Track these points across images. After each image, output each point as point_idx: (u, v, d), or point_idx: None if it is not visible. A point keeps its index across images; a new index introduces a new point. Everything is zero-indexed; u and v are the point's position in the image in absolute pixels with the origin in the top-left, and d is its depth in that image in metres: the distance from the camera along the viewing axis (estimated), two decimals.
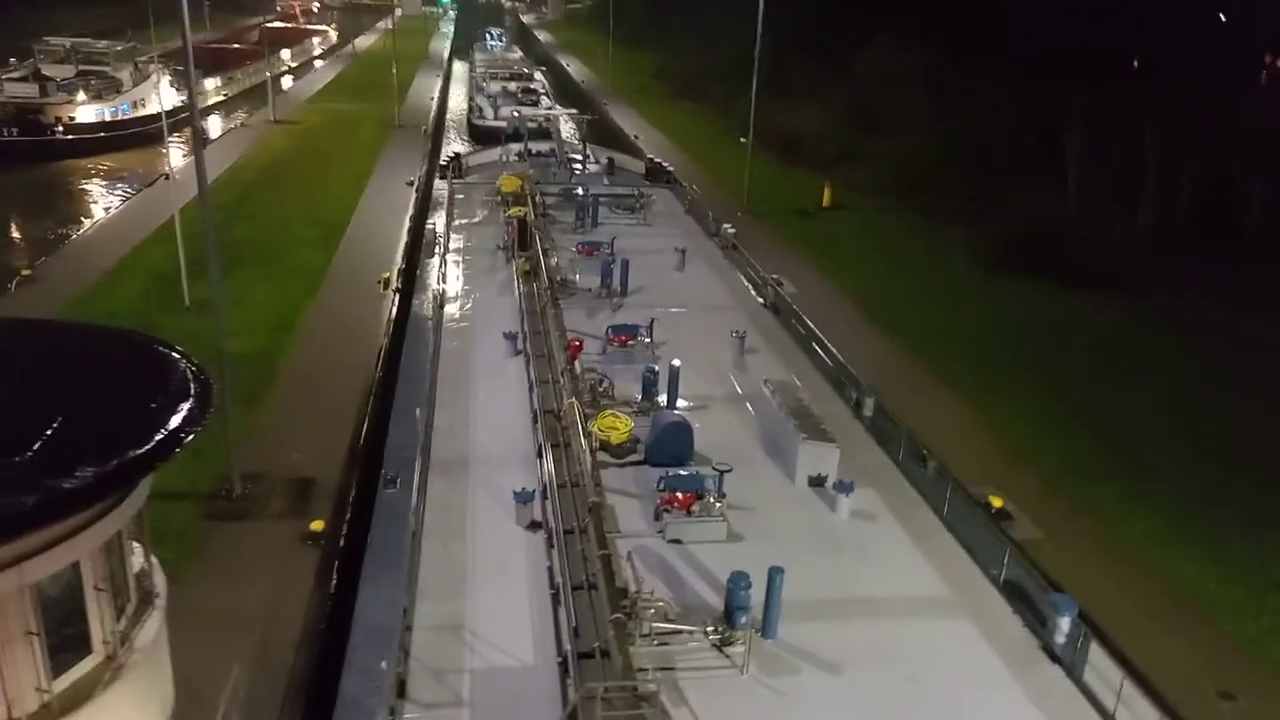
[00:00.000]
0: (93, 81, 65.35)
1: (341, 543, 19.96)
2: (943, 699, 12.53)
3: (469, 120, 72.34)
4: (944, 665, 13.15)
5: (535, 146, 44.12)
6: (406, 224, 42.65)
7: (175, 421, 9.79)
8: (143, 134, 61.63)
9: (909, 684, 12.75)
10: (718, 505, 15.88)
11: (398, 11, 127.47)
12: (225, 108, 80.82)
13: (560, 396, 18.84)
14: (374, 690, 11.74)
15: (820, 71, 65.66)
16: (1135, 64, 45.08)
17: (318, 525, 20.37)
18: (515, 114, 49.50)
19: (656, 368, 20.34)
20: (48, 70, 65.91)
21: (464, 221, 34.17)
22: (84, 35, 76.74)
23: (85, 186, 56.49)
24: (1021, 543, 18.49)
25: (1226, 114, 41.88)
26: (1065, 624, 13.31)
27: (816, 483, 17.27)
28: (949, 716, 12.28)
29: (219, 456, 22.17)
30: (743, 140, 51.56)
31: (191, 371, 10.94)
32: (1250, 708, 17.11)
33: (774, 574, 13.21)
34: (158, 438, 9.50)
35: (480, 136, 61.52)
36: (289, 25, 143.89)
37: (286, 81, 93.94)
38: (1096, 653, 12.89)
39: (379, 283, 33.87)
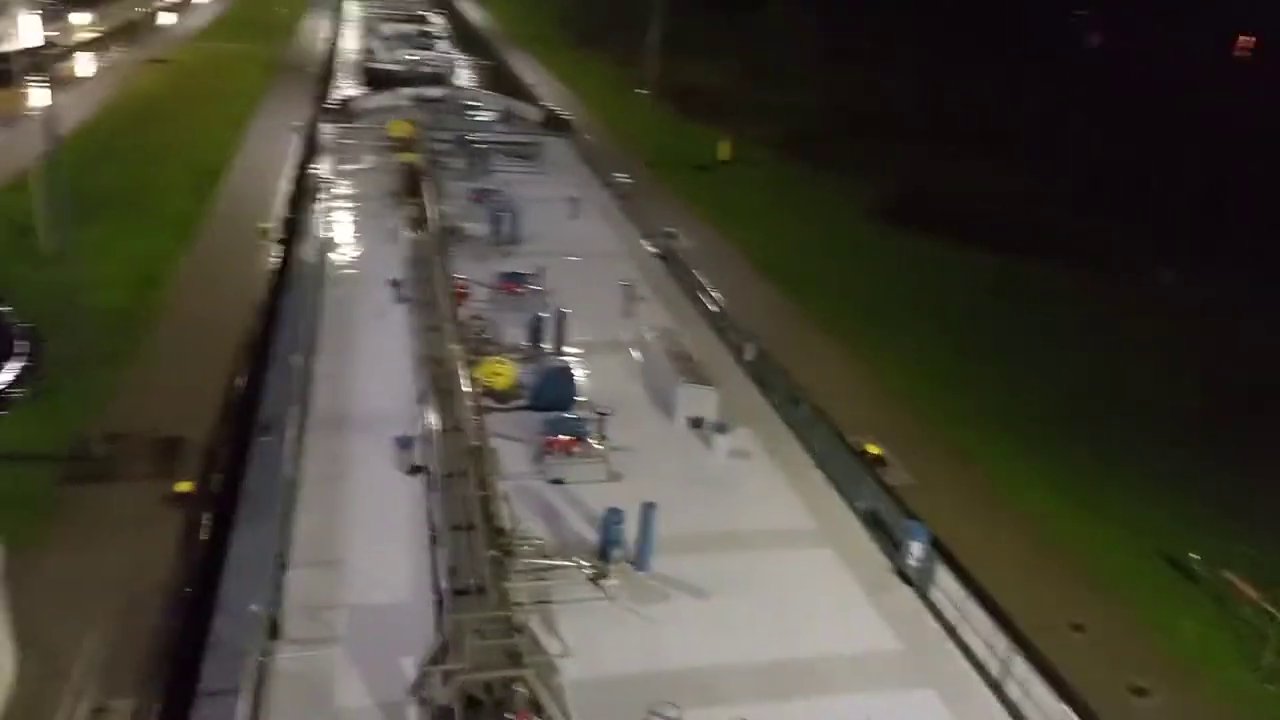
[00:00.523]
0: None
1: (215, 496, 19.20)
2: (802, 621, 13.31)
3: (362, 62, 69.77)
4: (805, 591, 13.96)
5: (428, 92, 42.94)
6: (290, 171, 40.89)
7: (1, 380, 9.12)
8: (6, 72, 57.47)
9: (771, 609, 13.48)
10: (598, 447, 16.37)
11: None
12: (97, 45, 75.87)
13: (445, 343, 18.73)
14: (245, 631, 11.70)
15: (722, 26, 65.32)
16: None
17: (184, 486, 19.51)
18: (409, 57, 47.95)
19: (543, 314, 20.47)
20: None
21: (351, 167, 33.24)
22: None
23: None
24: (896, 488, 19.04)
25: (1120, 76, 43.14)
26: (917, 549, 14.22)
27: (695, 424, 17.83)
28: (807, 636, 13.03)
29: (79, 415, 21.08)
30: (640, 92, 50.99)
31: (18, 329, 10.22)
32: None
33: (646, 510, 13.78)
34: None
35: (374, 80, 59.43)
36: None
37: (166, 18, 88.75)
38: (944, 574, 13.80)
39: (258, 233, 32.50)
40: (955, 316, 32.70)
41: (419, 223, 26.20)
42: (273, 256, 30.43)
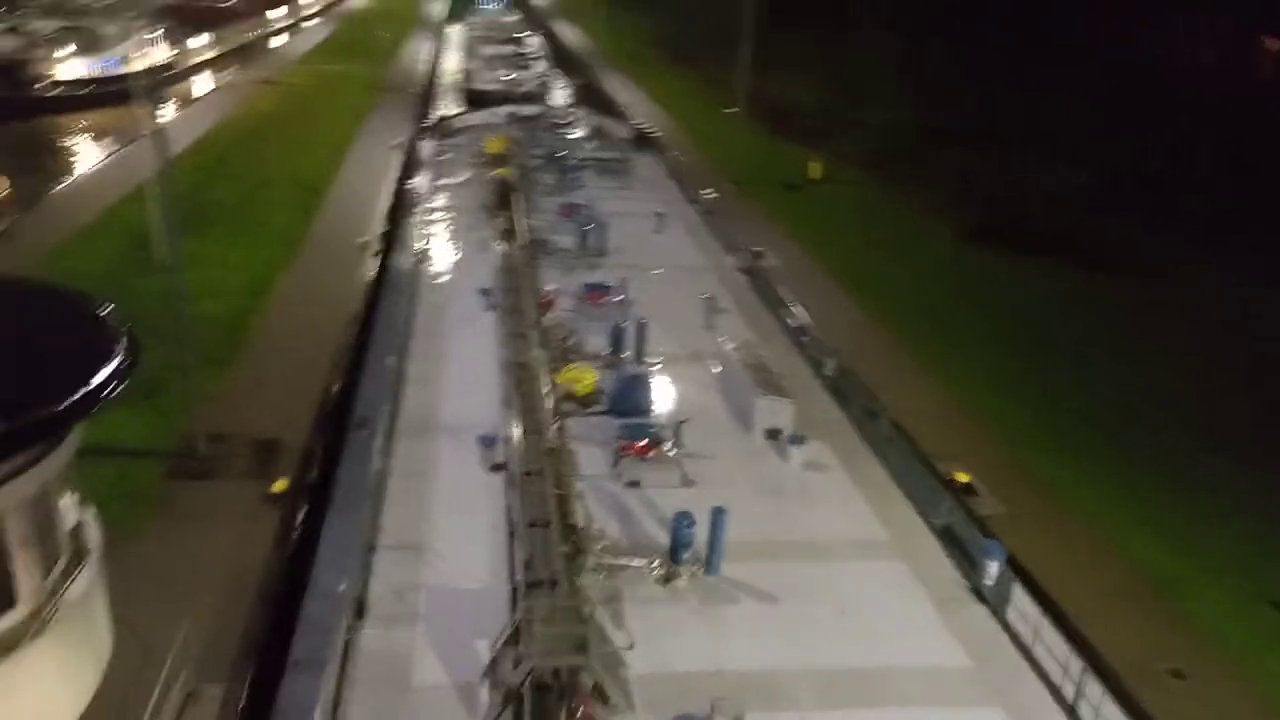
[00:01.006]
0: (77, 37, 64.51)
1: (311, 487, 19.98)
2: (869, 630, 13.31)
3: (463, 83, 71.89)
4: (875, 602, 13.95)
5: (523, 110, 44.19)
6: (389, 188, 42.28)
7: (97, 379, 9.73)
8: (127, 91, 60.95)
9: (838, 616, 13.57)
10: (673, 452, 16.87)
11: None
12: (213, 66, 79.93)
13: (529, 349, 19.48)
14: (334, 610, 12.43)
15: (812, 44, 65.09)
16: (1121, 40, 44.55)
17: (280, 485, 20.33)
18: (508, 77, 49.49)
19: (625, 324, 21.12)
20: (32, 24, 65.02)
21: (448, 181, 34.75)
22: None
23: (66, 143, 55.92)
24: (986, 518, 18.63)
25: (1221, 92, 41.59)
26: (993, 568, 14.06)
27: (772, 435, 18.13)
28: (874, 647, 13.03)
29: (185, 416, 22.12)
30: (730, 110, 51.15)
31: (120, 330, 10.88)
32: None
33: (716, 514, 14.10)
34: (77, 394, 9.44)
35: (473, 99, 61.24)
36: None
37: (278, 41, 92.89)
38: (1020, 594, 13.55)
39: (357, 247, 33.69)
40: (1035, 335, 31.85)
41: (509, 235, 27.04)
42: (370, 269, 31.54)
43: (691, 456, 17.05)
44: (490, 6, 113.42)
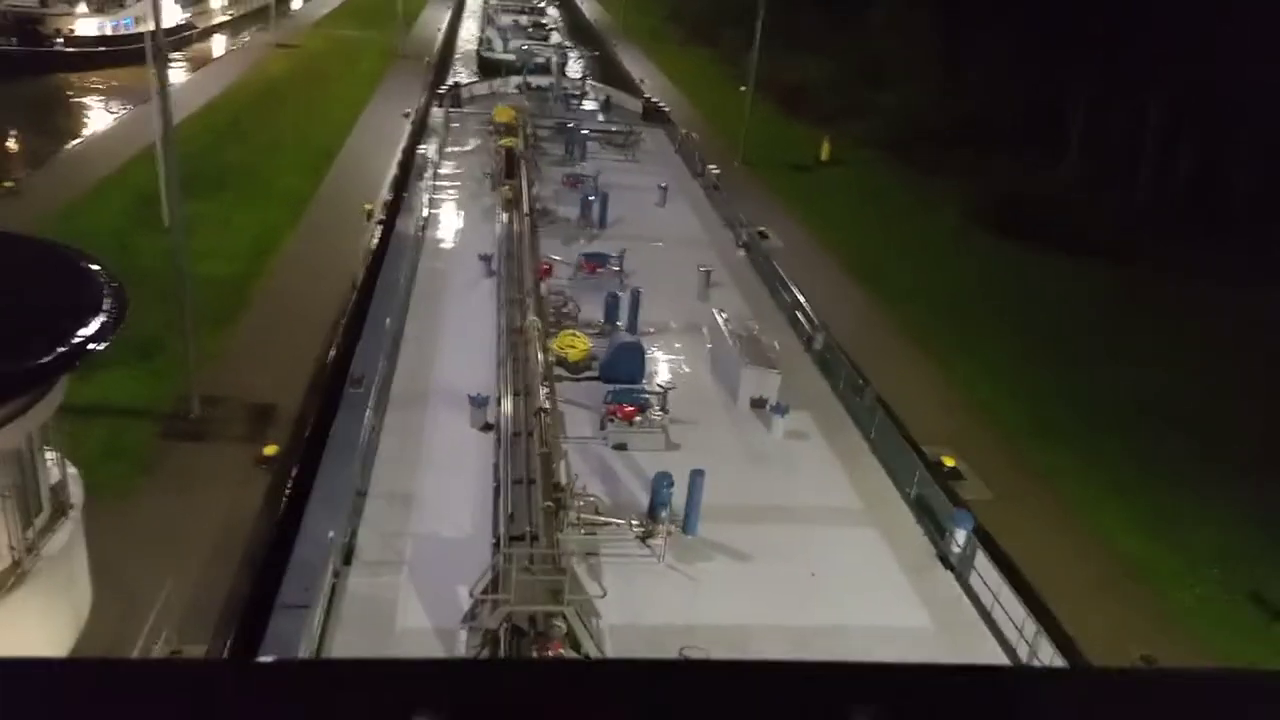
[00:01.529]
0: None
1: (307, 439, 20.21)
2: (839, 593, 13.78)
3: (478, 52, 71.55)
4: (846, 566, 14.44)
5: (535, 80, 44.09)
6: (398, 155, 42.29)
7: (82, 333, 9.87)
8: (143, 50, 60.89)
9: (809, 578, 13.99)
10: (659, 417, 17.27)
11: None
12: (231, 28, 79.78)
13: (525, 315, 19.72)
14: (322, 554, 12.82)
15: (829, 23, 64.40)
16: (1142, 39, 43.90)
17: (271, 449, 20.56)
18: (524, 47, 49.32)
19: (620, 293, 21.41)
20: None
21: (456, 149, 34.89)
22: None
23: (80, 100, 56.00)
24: (970, 502, 18.70)
25: (1228, 94, 41.01)
26: (961, 536, 14.53)
27: (757, 404, 18.52)
28: (842, 607, 13.51)
29: (181, 377, 22.32)
30: (742, 89, 50.82)
31: (107, 285, 11.00)
32: None
33: (695, 476, 14.50)
34: (61, 348, 9.58)
35: (488, 68, 61.00)
36: None
37: (295, 3, 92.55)
38: (985, 561, 14.02)
39: (363, 213, 33.74)
40: (1040, 326, 31.65)
41: (513, 203, 27.19)
42: (375, 235, 31.64)
43: (678, 422, 17.50)
44: None
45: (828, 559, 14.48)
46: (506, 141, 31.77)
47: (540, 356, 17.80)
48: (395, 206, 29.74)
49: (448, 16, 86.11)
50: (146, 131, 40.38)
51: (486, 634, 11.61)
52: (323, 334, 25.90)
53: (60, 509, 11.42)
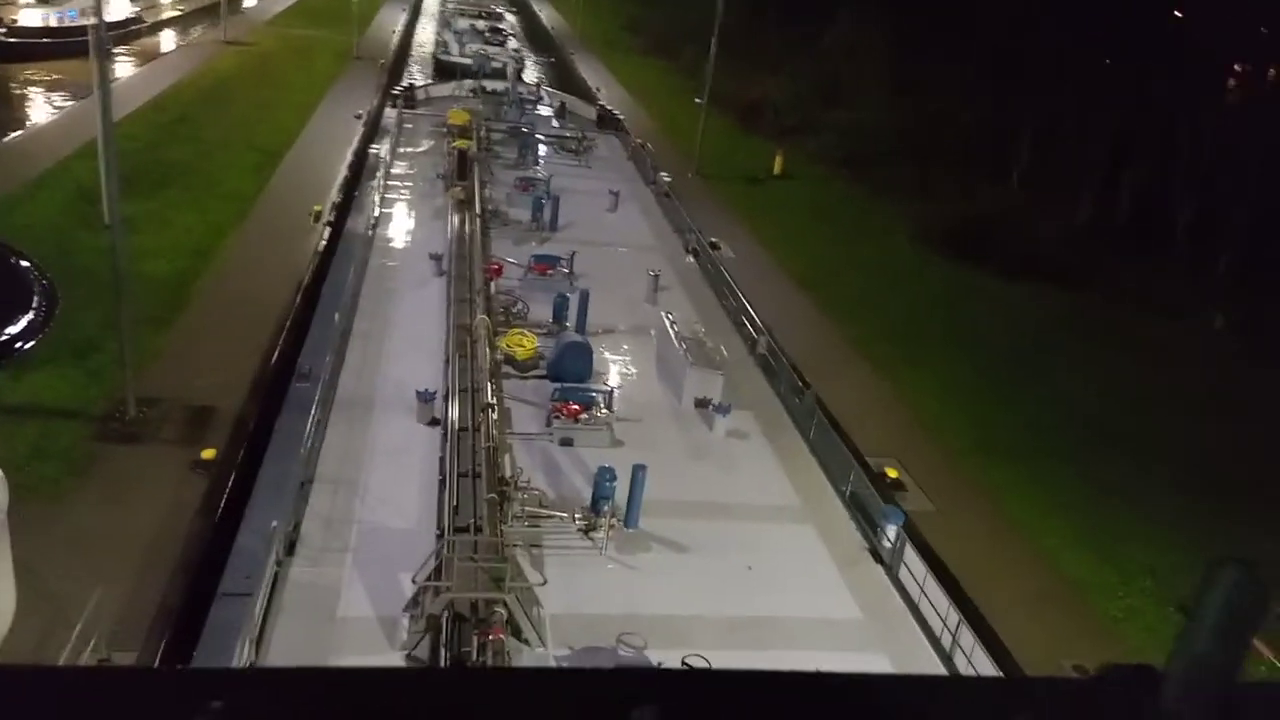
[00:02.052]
0: None
1: (251, 432, 19.92)
2: (773, 585, 14.18)
3: (434, 55, 71.13)
4: (780, 560, 14.84)
5: (491, 85, 44.04)
6: (350, 154, 41.82)
7: (8, 331, 9.56)
8: (86, 44, 59.50)
9: (746, 571, 14.39)
10: (604, 415, 17.50)
11: None
12: (180, 23, 78.36)
13: (475, 313, 19.83)
14: (265, 544, 12.79)
15: (787, 41, 65.15)
16: (1090, 68, 45.13)
17: (209, 453, 20.09)
18: (480, 52, 49.25)
19: (570, 294, 21.58)
20: None
21: (409, 150, 34.70)
22: None
23: (22, 93, 54.55)
24: (912, 513, 18.95)
25: (1170, 124, 42.27)
26: (891, 531, 15.06)
27: (701, 404, 18.85)
28: (775, 599, 13.90)
29: (118, 378, 21.78)
30: (698, 101, 51.15)
31: (40, 283, 10.68)
32: None
33: (637, 471, 14.75)
34: None
35: (444, 71, 60.65)
36: None
37: (248, 1, 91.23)
38: (913, 556, 14.58)
39: (309, 215, 33.28)
40: (987, 346, 32.21)
41: (465, 204, 27.12)
42: (323, 236, 31.22)
43: (623, 420, 17.83)
44: None
45: (764, 553, 14.92)
46: (460, 143, 31.70)
47: (488, 354, 17.99)
48: (346, 204, 29.53)
49: (404, 18, 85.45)
50: (89, 126, 39.41)
51: (430, 619, 11.73)
52: (265, 335, 25.41)
53: None
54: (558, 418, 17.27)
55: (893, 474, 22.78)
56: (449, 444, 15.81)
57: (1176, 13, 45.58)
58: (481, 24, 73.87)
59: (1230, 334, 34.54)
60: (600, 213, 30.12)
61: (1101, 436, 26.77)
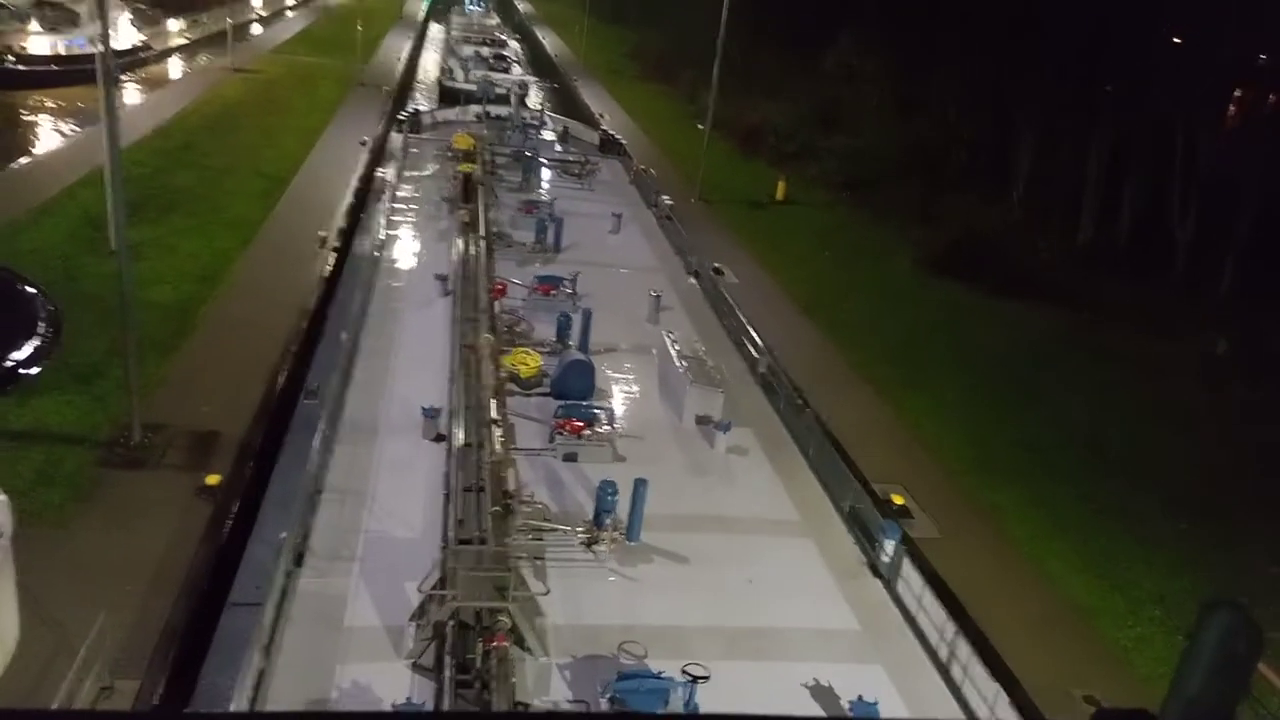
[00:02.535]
0: (48, 13, 63.42)
1: (260, 448, 20.09)
2: (772, 598, 14.36)
3: (439, 81, 71.71)
4: (780, 573, 15.04)
5: (495, 110, 44.50)
6: (356, 178, 42.08)
7: (13, 357, 9.63)
8: (94, 71, 60.03)
9: (746, 584, 14.59)
10: (606, 431, 17.77)
11: None
12: (188, 51, 79.06)
13: (479, 332, 20.07)
14: (274, 554, 13.04)
15: (788, 66, 65.61)
16: (1089, 88, 45.35)
17: (214, 479, 20.11)
18: (485, 78, 49.76)
19: (573, 314, 21.89)
20: None
21: (414, 174, 35.15)
22: None
23: (29, 120, 55.04)
24: (919, 540, 18.90)
25: (1171, 144, 42.44)
26: (890, 546, 15.22)
27: (702, 421, 19.09)
28: (774, 611, 14.09)
29: (123, 403, 21.83)
30: (701, 127, 51.49)
31: (45, 309, 10.77)
32: None
33: (638, 485, 14.96)
34: None
35: (449, 97, 61.11)
36: None
37: (256, 29, 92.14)
38: (911, 569, 14.78)
39: (316, 241, 33.45)
40: (987, 367, 32.23)
41: (470, 227, 27.36)
42: (328, 262, 31.37)
43: (625, 437, 18.14)
44: (474, 7, 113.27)
45: (764, 566, 15.13)
46: (465, 167, 32.02)
47: (492, 372, 18.21)
48: (352, 227, 29.82)
49: (408, 46, 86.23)
50: (95, 153, 39.76)
51: (436, 626, 12.00)
52: (270, 361, 25.54)
53: None
54: (560, 434, 17.53)
55: (898, 500, 22.72)
56: (453, 459, 16.04)
57: (1175, 40, 45.89)
58: (486, 50, 74.36)
59: (1230, 353, 34.52)
60: (603, 235, 30.47)
61: (1102, 458, 26.73)
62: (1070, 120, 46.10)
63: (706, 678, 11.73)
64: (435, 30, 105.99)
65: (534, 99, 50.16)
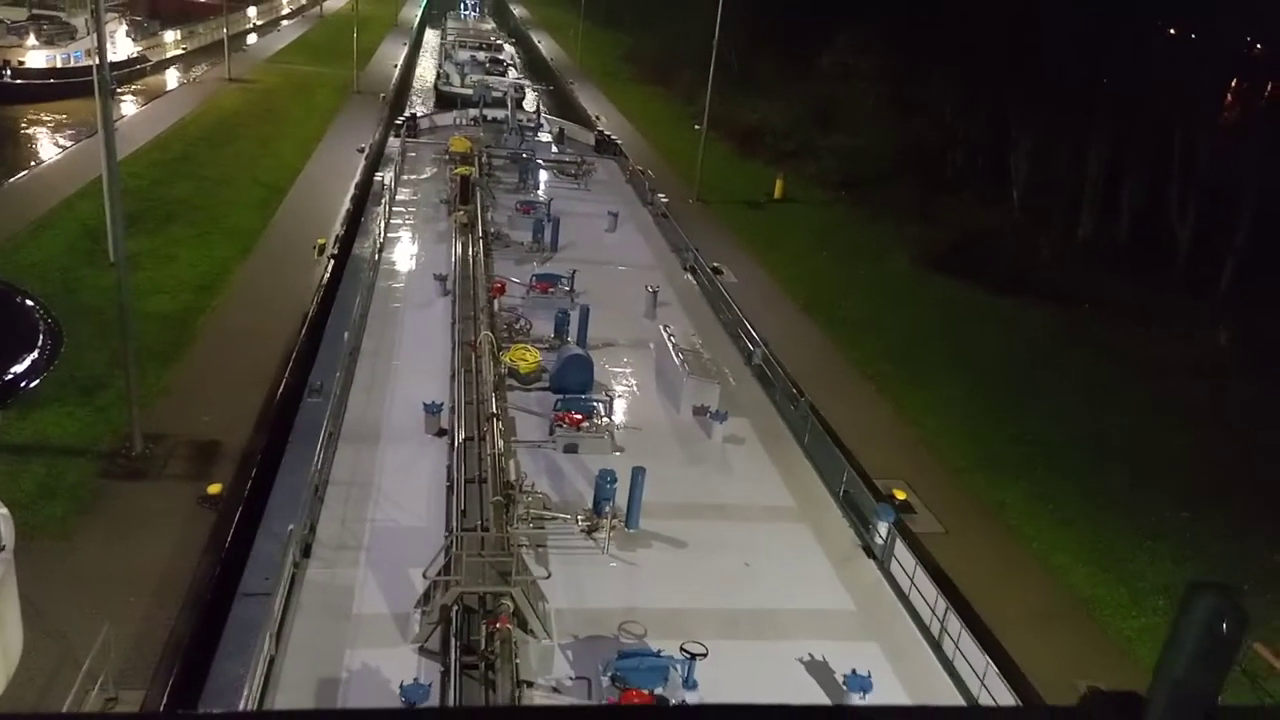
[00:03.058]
0: (45, 26, 63.53)
1: (265, 446, 20.08)
2: (769, 580, 14.68)
3: (435, 85, 71.77)
4: (776, 556, 15.33)
5: (491, 113, 44.60)
6: (355, 181, 42.12)
7: (13, 370, 9.63)
8: (91, 83, 60.11)
9: (743, 568, 14.90)
10: (604, 423, 18.06)
11: None
12: (184, 62, 79.19)
13: (479, 330, 20.25)
14: (282, 546, 13.33)
15: (784, 67, 65.66)
16: (1086, 84, 45.32)
17: (215, 488, 20.14)
18: (480, 82, 49.81)
19: (571, 311, 22.07)
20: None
21: (412, 177, 35.44)
22: None
23: (28, 133, 55.10)
24: (922, 535, 18.92)
25: (1169, 141, 42.38)
26: (883, 528, 15.53)
27: (699, 412, 19.34)
28: (771, 592, 14.38)
29: (124, 414, 21.86)
30: (697, 128, 51.52)
31: (44, 322, 10.77)
32: None
33: (636, 473, 15.23)
34: None
35: (446, 102, 61.15)
36: None
37: (252, 39, 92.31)
38: (904, 550, 15.05)
39: (314, 248, 33.47)
40: (987, 364, 32.18)
41: (468, 227, 27.55)
42: (327, 268, 31.39)
43: (624, 428, 18.49)
44: (469, 13, 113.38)
45: (761, 550, 15.42)
46: (462, 170, 32.10)
47: (492, 368, 18.44)
48: (352, 230, 29.88)
49: (404, 53, 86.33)
50: (94, 165, 39.84)
51: (442, 610, 12.26)
52: (271, 370, 25.52)
53: None
54: (560, 427, 17.78)
55: (900, 495, 22.70)
56: (456, 452, 16.28)
57: (1171, 30, 45.87)
58: (482, 55, 74.44)
59: (1231, 349, 34.48)
60: (599, 233, 30.71)
61: (1103, 451, 26.71)
62: (1069, 119, 46.07)
63: (705, 654, 12.02)
64: (430, 36, 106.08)
65: (530, 102, 50.11)
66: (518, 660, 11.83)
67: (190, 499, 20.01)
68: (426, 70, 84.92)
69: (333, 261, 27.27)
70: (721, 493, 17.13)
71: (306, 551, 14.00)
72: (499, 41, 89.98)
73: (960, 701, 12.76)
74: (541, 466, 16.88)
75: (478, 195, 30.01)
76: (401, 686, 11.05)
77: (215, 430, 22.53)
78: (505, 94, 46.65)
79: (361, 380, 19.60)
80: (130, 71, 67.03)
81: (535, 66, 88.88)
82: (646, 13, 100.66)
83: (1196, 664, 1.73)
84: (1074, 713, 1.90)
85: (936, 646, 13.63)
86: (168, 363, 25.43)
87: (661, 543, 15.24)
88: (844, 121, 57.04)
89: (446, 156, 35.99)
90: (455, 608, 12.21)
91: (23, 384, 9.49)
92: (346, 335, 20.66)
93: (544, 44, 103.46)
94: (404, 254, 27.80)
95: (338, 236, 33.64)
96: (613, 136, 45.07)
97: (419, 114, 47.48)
